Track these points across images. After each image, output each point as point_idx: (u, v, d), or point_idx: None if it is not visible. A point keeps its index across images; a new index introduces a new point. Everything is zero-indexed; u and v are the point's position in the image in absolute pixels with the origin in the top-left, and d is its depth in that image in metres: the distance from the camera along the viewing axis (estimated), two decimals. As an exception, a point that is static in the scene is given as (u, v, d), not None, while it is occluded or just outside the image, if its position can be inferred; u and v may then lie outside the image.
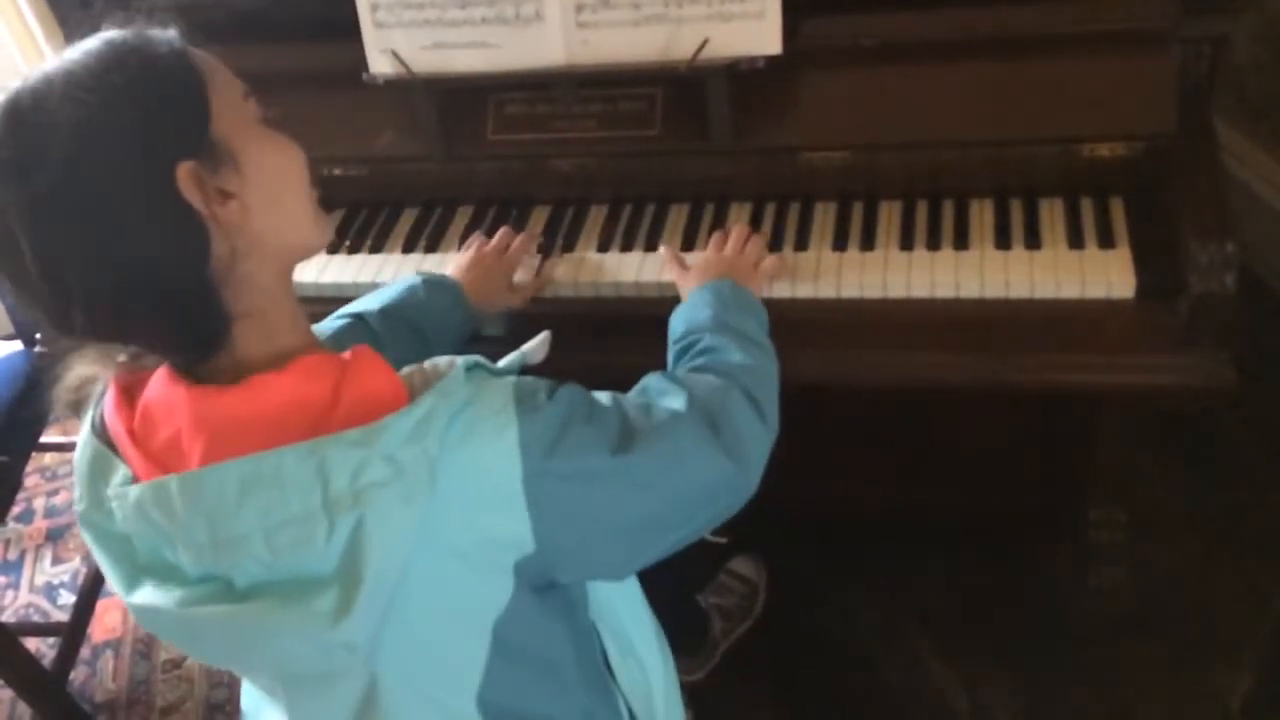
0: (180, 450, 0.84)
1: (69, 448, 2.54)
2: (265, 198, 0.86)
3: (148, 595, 0.87)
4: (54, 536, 2.42)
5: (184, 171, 0.80)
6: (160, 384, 0.87)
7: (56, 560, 2.36)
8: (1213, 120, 1.38)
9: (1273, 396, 2.11)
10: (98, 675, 2.12)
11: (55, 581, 2.31)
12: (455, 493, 0.82)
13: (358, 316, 1.25)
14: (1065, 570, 1.90)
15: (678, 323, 1.21)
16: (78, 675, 2.11)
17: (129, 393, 0.89)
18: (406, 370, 0.87)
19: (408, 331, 1.26)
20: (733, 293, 1.22)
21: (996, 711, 1.76)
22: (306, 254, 0.94)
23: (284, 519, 0.80)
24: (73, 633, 2.00)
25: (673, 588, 1.17)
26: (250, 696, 1.10)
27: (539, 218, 1.58)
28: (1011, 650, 1.83)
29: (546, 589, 0.95)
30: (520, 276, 1.46)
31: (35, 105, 0.79)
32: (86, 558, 2.31)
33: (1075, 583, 1.88)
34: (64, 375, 0.93)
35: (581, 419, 0.90)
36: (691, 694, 1.25)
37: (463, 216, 1.60)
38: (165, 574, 0.87)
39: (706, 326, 1.15)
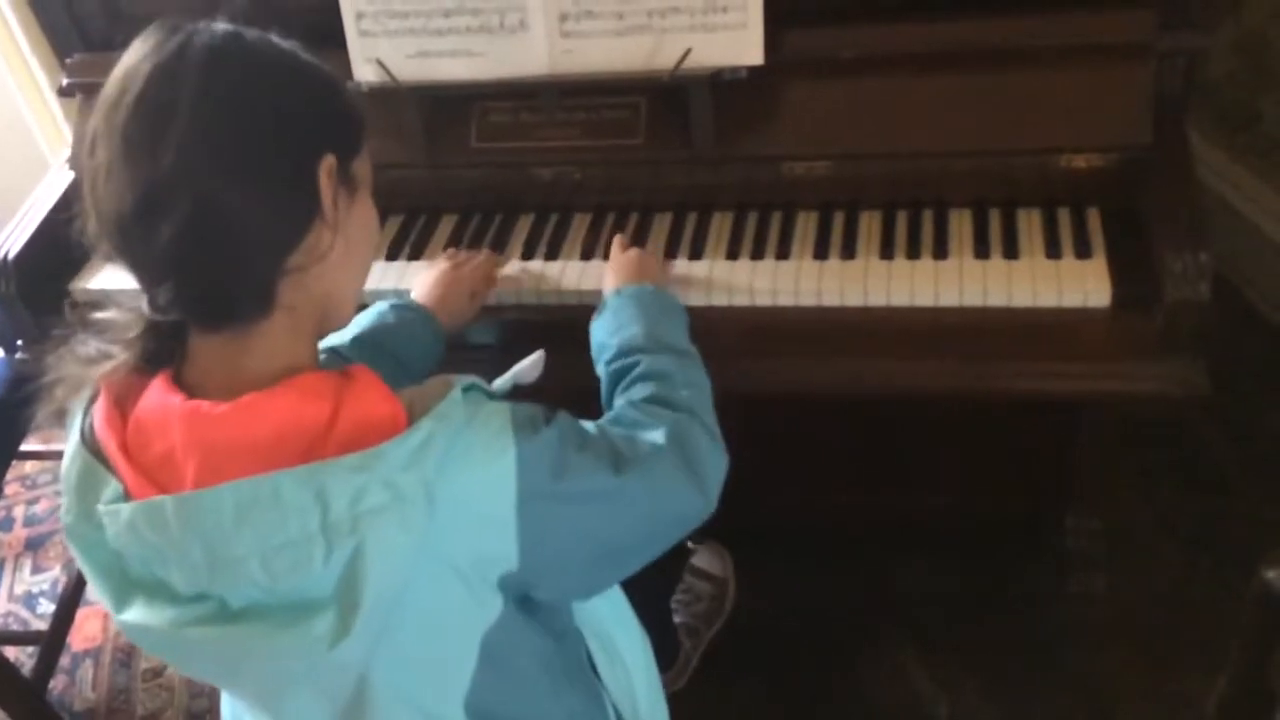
0: (175, 465, 0.84)
1: (49, 456, 2.52)
2: (352, 241, 0.92)
3: (138, 614, 0.87)
4: (34, 545, 2.40)
5: (327, 163, 0.87)
6: (154, 396, 0.87)
7: (36, 569, 2.34)
8: (1187, 132, 1.40)
9: (1248, 404, 2.13)
10: (77, 684, 2.11)
11: (35, 590, 2.30)
12: (452, 515, 0.83)
13: (332, 351, 1.25)
14: (1043, 577, 1.91)
15: (604, 335, 1.21)
16: (57, 684, 2.09)
17: (120, 405, 0.89)
18: (405, 392, 0.87)
19: (382, 357, 1.26)
20: (655, 299, 1.24)
21: (975, 718, 1.77)
22: (339, 316, 0.97)
23: (281, 542, 0.81)
24: (52, 641, 1.98)
25: (643, 601, 1.18)
26: (230, 706, 1.10)
27: (523, 226, 1.58)
28: (990, 657, 1.83)
29: (524, 600, 0.96)
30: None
31: (254, 40, 0.87)
32: (66, 566, 2.30)
33: (1053, 590, 1.89)
34: (49, 382, 0.92)
35: (575, 447, 0.92)
36: (671, 703, 1.25)
37: (447, 224, 1.61)
38: (156, 590, 0.86)
39: (642, 345, 1.16)
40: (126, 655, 2.14)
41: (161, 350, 0.89)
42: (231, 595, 0.84)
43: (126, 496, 0.86)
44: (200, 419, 0.83)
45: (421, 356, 1.31)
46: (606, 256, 1.49)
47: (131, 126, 0.81)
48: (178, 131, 0.80)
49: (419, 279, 1.43)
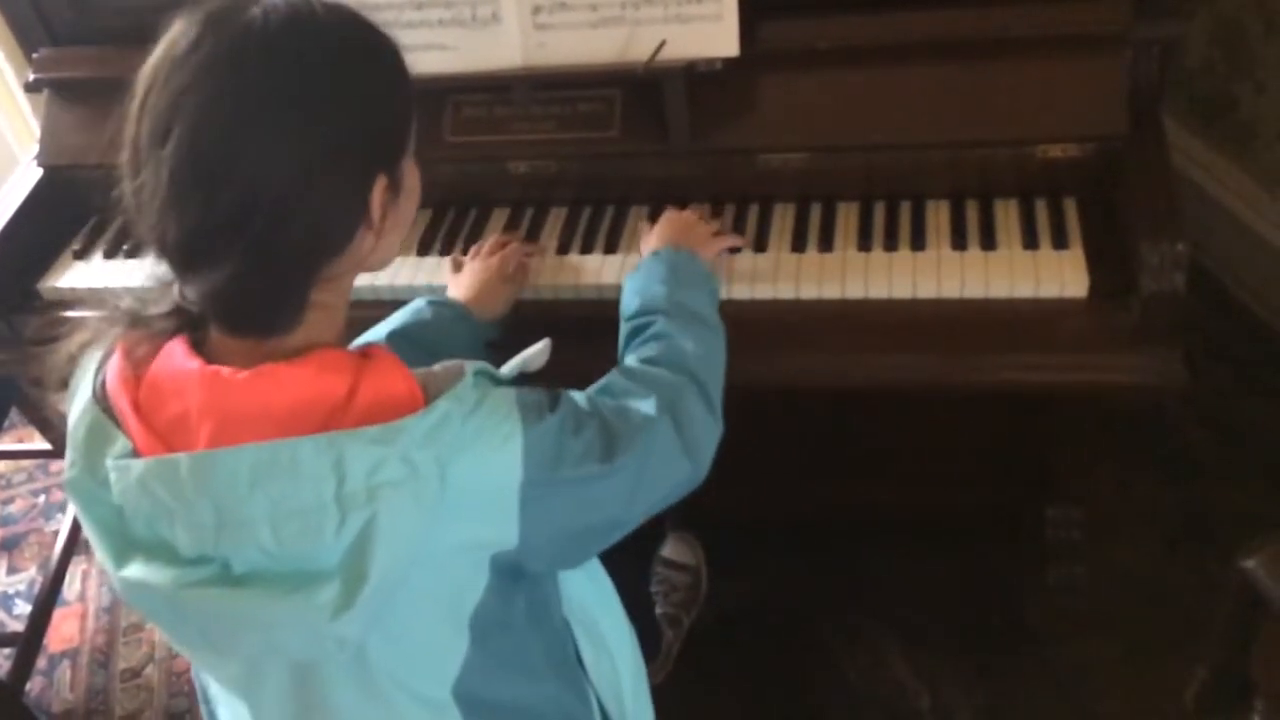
0: (188, 428, 0.84)
1: (23, 455, 2.50)
2: (395, 223, 0.92)
3: (138, 571, 0.86)
4: (9, 545, 2.38)
5: (381, 184, 0.87)
6: (171, 358, 0.87)
7: (12, 569, 2.32)
8: (1163, 121, 1.40)
9: (1227, 394, 2.14)
10: (55, 685, 2.09)
11: (11, 591, 2.28)
12: (459, 496, 0.84)
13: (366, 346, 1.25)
14: (1025, 569, 1.91)
15: (630, 295, 1.22)
16: (34, 685, 2.08)
17: (134, 363, 0.88)
18: (418, 373, 0.88)
19: (418, 352, 1.25)
20: (687, 264, 1.24)
21: (957, 709, 1.77)
22: (380, 268, 0.98)
23: (294, 508, 0.81)
24: (29, 643, 1.97)
25: (626, 592, 1.17)
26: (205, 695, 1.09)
27: (498, 220, 1.57)
28: (971, 648, 1.84)
29: (517, 580, 0.97)
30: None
31: (301, 48, 0.83)
32: (43, 567, 2.28)
33: (1034, 581, 1.90)
34: (60, 346, 0.93)
35: (572, 430, 0.93)
36: (655, 694, 1.25)
37: (421, 219, 1.59)
38: (157, 550, 0.86)
39: (660, 307, 1.17)
40: (104, 656, 2.12)
41: (184, 322, 0.90)
42: (236, 559, 0.84)
43: (135, 454, 0.86)
44: (220, 384, 0.84)
45: (456, 351, 1.30)
46: (582, 251, 1.49)
47: (184, 172, 0.80)
48: (233, 185, 0.80)
49: (454, 280, 1.42)
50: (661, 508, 1.05)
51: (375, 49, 0.89)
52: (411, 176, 0.95)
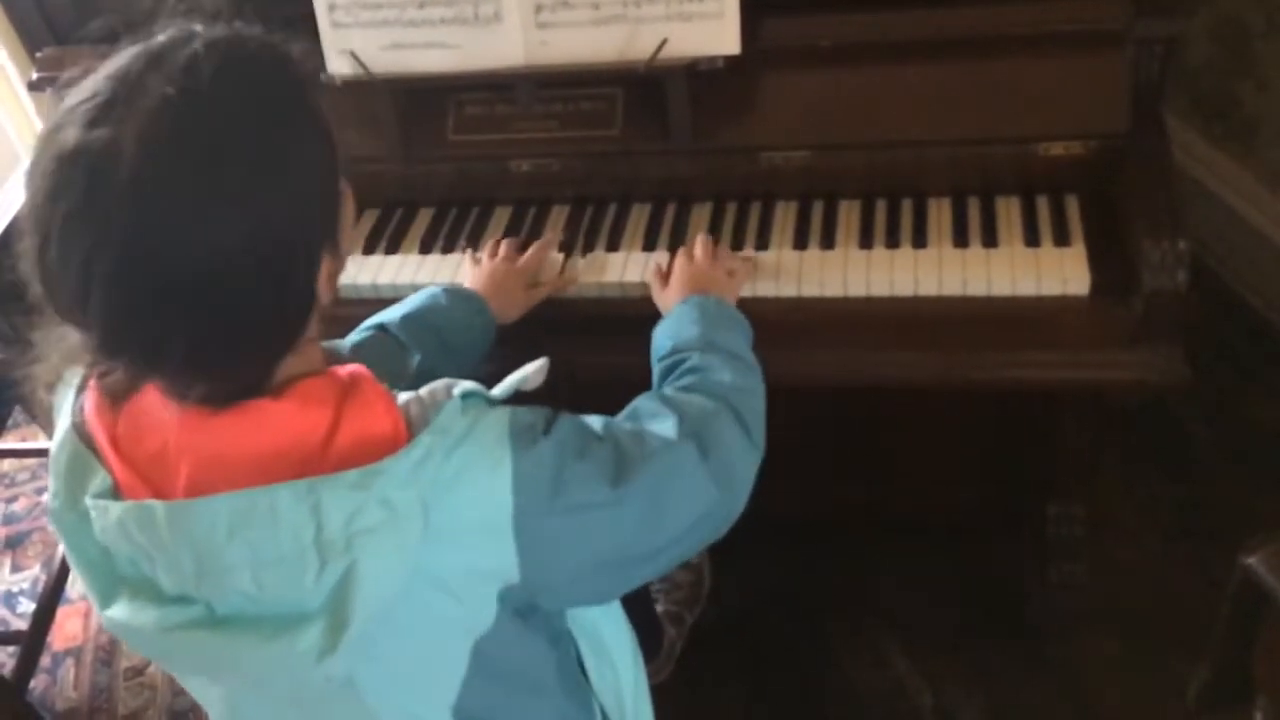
0: (167, 464, 0.82)
1: (27, 454, 2.50)
2: (341, 255, 0.89)
3: (122, 611, 0.85)
4: (13, 544, 2.38)
5: (326, 271, 0.83)
6: (151, 393, 0.84)
7: (16, 568, 2.33)
8: (1165, 119, 1.40)
9: (1228, 391, 2.14)
10: (58, 684, 2.10)
11: (15, 589, 2.28)
12: (446, 529, 0.82)
13: (380, 327, 1.25)
14: (1026, 566, 1.91)
15: (663, 339, 1.19)
16: (38, 684, 2.08)
17: (112, 395, 0.86)
18: (404, 399, 0.86)
19: (431, 337, 1.26)
20: (717, 308, 1.22)
21: (959, 707, 1.77)
22: None
23: (274, 557, 0.79)
24: (32, 641, 1.97)
25: (628, 597, 1.16)
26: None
27: (500, 218, 1.57)
28: (973, 646, 1.84)
29: (528, 616, 0.95)
30: (542, 275, 1.46)
31: (211, 126, 0.76)
32: (46, 565, 2.28)
33: (1036, 579, 1.90)
34: (38, 370, 0.90)
35: (575, 454, 0.89)
36: (657, 693, 1.25)
37: (424, 218, 1.60)
38: (141, 587, 0.85)
39: (694, 344, 1.14)
40: (108, 654, 2.13)
41: None
42: (218, 602, 0.83)
43: (115, 489, 0.84)
44: (199, 424, 0.82)
45: (470, 341, 1.31)
46: (584, 250, 1.49)
47: (114, 335, 0.78)
48: (170, 335, 0.77)
49: (474, 273, 1.41)
50: (698, 543, 1.00)
51: (287, 131, 0.81)
52: (346, 206, 0.89)
